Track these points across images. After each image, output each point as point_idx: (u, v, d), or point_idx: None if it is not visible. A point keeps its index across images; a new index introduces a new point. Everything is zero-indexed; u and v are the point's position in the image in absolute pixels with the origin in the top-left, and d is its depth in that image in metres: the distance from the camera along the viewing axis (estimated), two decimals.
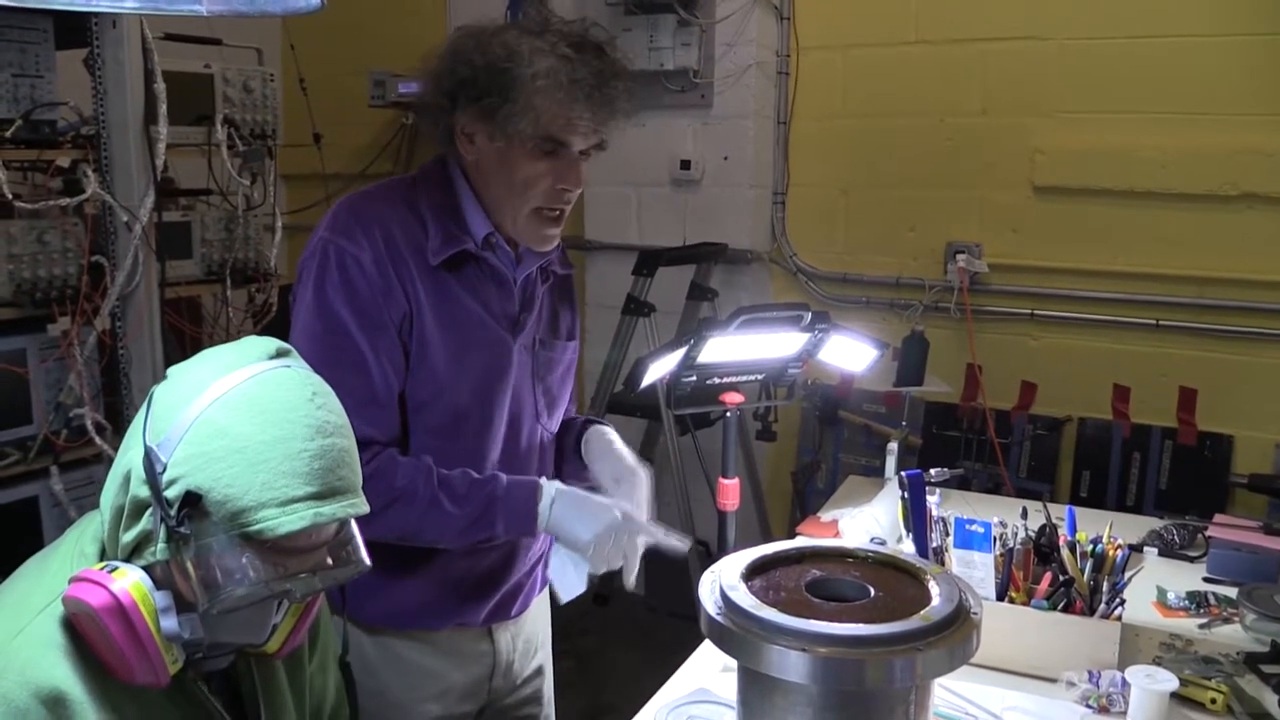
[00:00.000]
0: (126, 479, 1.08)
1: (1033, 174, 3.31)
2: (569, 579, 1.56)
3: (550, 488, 1.51)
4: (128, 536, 1.08)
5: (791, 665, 1.09)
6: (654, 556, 1.56)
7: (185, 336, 2.86)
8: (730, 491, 1.73)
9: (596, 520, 1.48)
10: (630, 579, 1.53)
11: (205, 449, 1.05)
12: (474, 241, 1.52)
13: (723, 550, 1.70)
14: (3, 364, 2.35)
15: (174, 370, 1.13)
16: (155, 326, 2.57)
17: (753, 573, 1.26)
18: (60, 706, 1.04)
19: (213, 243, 2.85)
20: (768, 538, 3.58)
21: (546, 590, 1.80)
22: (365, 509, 1.13)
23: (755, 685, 1.18)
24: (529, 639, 1.76)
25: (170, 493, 1.04)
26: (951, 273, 3.43)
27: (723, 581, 1.21)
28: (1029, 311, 3.37)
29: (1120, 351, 3.27)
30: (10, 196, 2.27)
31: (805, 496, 3.70)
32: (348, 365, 1.43)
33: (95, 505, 2.49)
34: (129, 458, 1.09)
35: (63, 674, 1.05)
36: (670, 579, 3.82)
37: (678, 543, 1.56)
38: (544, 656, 1.82)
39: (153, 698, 1.11)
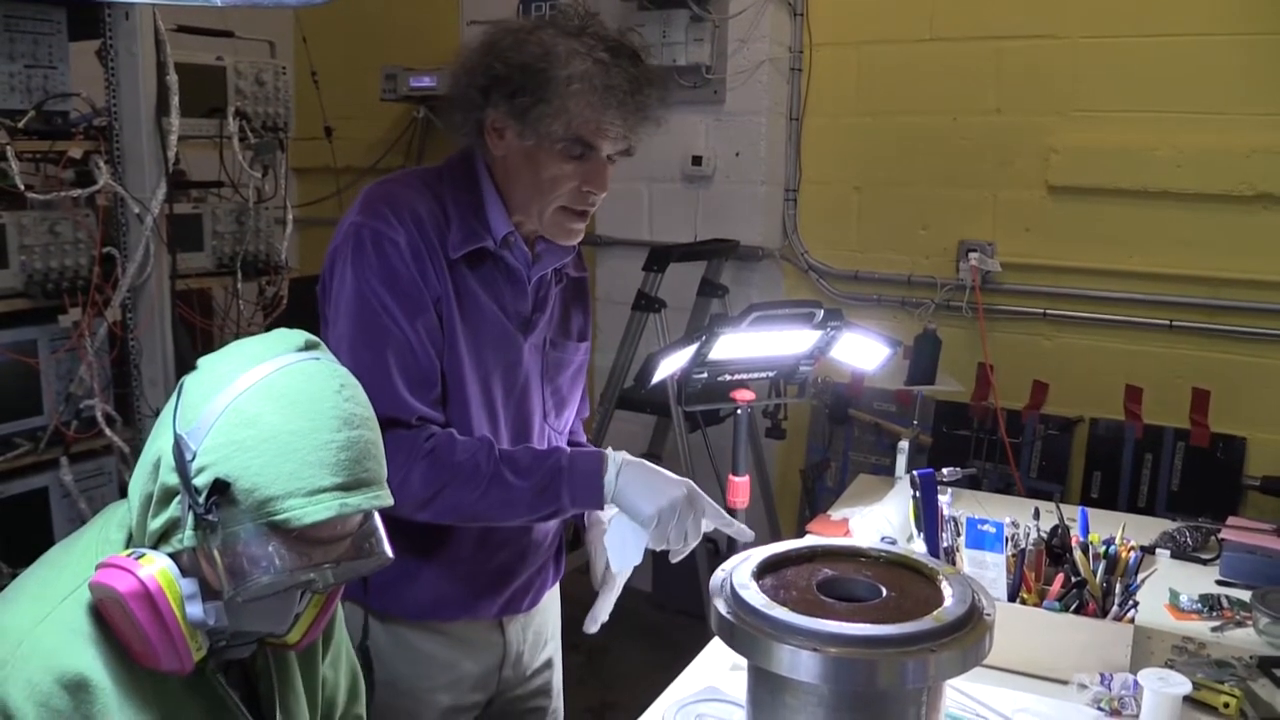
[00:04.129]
0: (156, 466, 1.09)
1: (1047, 173, 3.29)
2: (626, 550, 1.53)
3: (617, 457, 1.49)
4: (155, 523, 1.09)
5: (803, 665, 1.08)
6: (661, 555, 1.55)
7: (196, 329, 2.86)
8: (740, 489, 1.72)
9: (662, 495, 1.46)
10: (678, 558, 1.52)
11: (234, 438, 1.06)
12: (493, 240, 1.52)
13: (732, 548, 1.69)
14: (14, 355, 2.35)
15: (204, 361, 1.15)
16: (166, 318, 2.57)
17: (764, 571, 1.25)
18: (83, 692, 1.05)
19: (224, 235, 2.85)
20: (777, 536, 3.57)
21: (557, 584, 1.81)
22: (390, 501, 1.14)
23: (765, 684, 1.17)
24: (539, 631, 1.76)
25: (199, 480, 1.05)
26: (964, 271, 3.41)
27: (734, 580, 1.20)
28: (1042, 311, 3.36)
29: (1133, 352, 3.25)
30: (22, 187, 2.27)
31: (815, 495, 3.69)
32: (394, 346, 1.44)
33: (105, 496, 2.50)
34: (158, 445, 1.10)
35: (86, 660, 1.06)
36: (679, 576, 3.82)
37: (742, 530, 1.56)
38: (553, 649, 1.83)
39: (173, 686, 1.12)
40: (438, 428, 1.47)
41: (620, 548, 1.54)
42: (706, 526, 1.52)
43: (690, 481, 1.51)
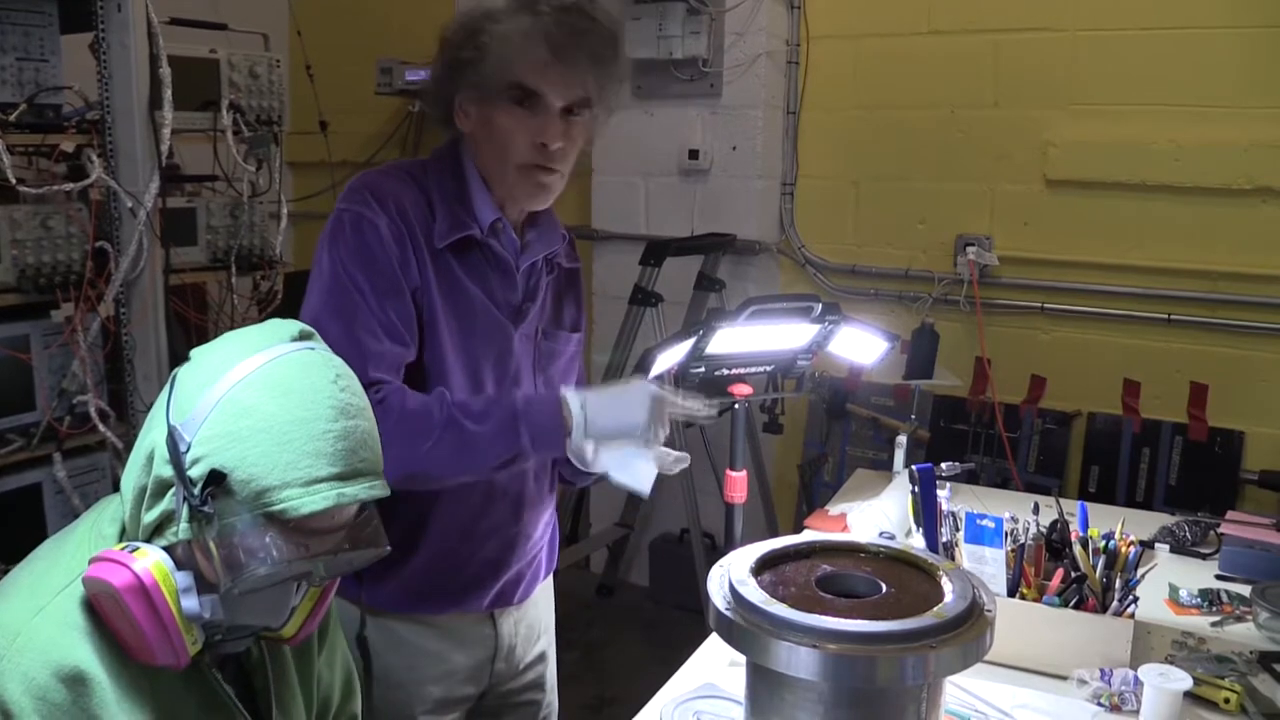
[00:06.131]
0: (149, 459, 1.08)
1: (1045, 166, 3.29)
2: (640, 473, 1.49)
3: (574, 398, 1.45)
4: (150, 516, 1.08)
5: (802, 662, 1.08)
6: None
7: (190, 324, 2.85)
8: (738, 484, 1.72)
9: (639, 402, 1.45)
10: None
11: (229, 429, 1.05)
12: (479, 228, 1.52)
13: (730, 543, 1.68)
14: (6, 350, 2.34)
15: (197, 352, 1.14)
16: (160, 313, 2.56)
17: (762, 567, 1.24)
18: (80, 685, 1.04)
19: (218, 229, 2.83)
20: (774, 531, 3.56)
21: (550, 578, 1.80)
22: (387, 491, 1.13)
23: (764, 681, 1.16)
24: (531, 624, 1.75)
25: (194, 472, 1.05)
26: (961, 265, 3.40)
27: (732, 576, 1.20)
28: (1039, 305, 3.35)
29: (1131, 346, 3.25)
30: (14, 181, 2.25)
31: (812, 490, 3.68)
32: (361, 322, 1.43)
33: (99, 492, 2.48)
34: (152, 438, 1.09)
35: (83, 654, 1.05)
36: (676, 572, 3.82)
37: (701, 408, 1.52)
38: (546, 643, 1.82)
39: (168, 681, 1.11)
40: (388, 384, 1.43)
41: (635, 475, 1.50)
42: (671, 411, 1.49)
43: (642, 382, 1.49)
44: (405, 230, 1.47)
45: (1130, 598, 1.60)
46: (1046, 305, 3.34)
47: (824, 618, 1.10)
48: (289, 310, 1.36)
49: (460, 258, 1.52)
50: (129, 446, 2.44)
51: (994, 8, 3.32)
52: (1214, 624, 1.77)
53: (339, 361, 1.15)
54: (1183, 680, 1.39)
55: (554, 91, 1.46)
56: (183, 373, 1.11)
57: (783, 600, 1.14)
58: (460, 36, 1.48)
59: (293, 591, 1.17)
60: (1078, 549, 1.63)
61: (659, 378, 1.58)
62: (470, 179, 1.54)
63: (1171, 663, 1.54)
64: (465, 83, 1.49)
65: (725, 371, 1.79)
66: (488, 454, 1.44)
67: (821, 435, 3.71)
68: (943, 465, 2.05)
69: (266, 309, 2.96)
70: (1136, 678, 1.47)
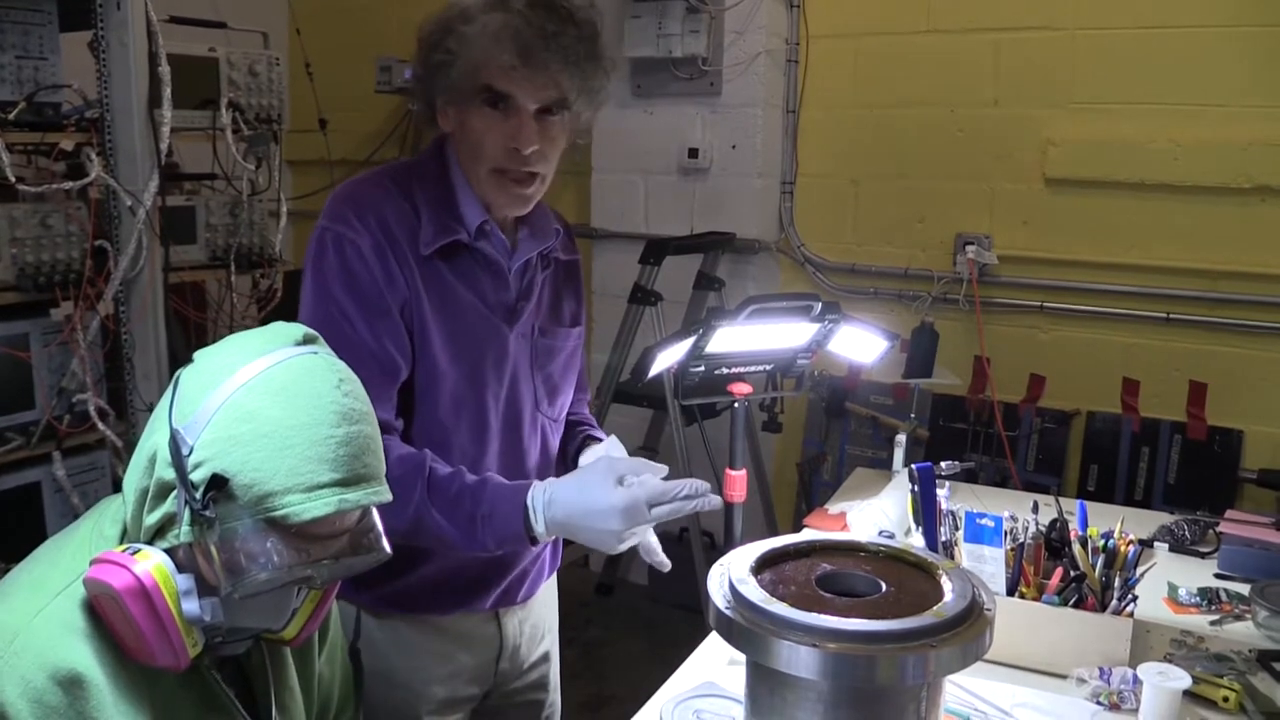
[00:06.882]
0: (152, 461, 1.08)
1: (1044, 165, 3.29)
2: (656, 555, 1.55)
3: (540, 505, 1.40)
4: (151, 519, 1.08)
5: (802, 661, 1.08)
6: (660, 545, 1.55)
7: (189, 322, 2.85)
8: (737, 483, 1.71)
9: (609, 514, 1.37)
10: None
11: (232, 433, 1.05)
12: (467, 231, 1.50)
13: (729, 542, 1.68)
14: (5, 348, 2.34)
15: (201, 354, 1.13)
16: (159, 312, 2.56)
17: (762, 566, 1.24)
18: (78, 688, 1.04)
19: (217, 228, 2.84)
20: (773, 530, 3.56)
21: (554, 576, 1.80)
22: (389, 497, 1.13)
23: (764, 680, 1.16)
24: (536, 624, 1.75)
25: (196, 475, 1.04)
26: (961, 264, 3.40)
27: (732, 575, 1.20)
28: (1038, 304, 3.35)
29: (1130, 345, 3.25)
30: (13, 179, 2.25)
31: (811, 488, 3.68)
32: (348, 349, 1.39)
33: (98, 491, 2.48)
34: (154, 440, 1.09)
35: (81, 656, 1.05)
36: (673, 570, 3.81)
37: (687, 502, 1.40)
38: (550, 643, 1.82)
39: (167, 682, 1.11)
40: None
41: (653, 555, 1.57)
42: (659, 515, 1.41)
43: (611, 491, 1.38)
44: (389, 244, 1.45)
45: (1129, 596, 1.60)
46: (1046, 304, 3.34)
47: (824, 617, 1.10)
48: (288, 308, 1.35)
49: (449, 262, 1.50)
50: (128, 445, 2.45)
51: (994, 7, 3.31)
52: (1213, 623, 1.77)
53: (342, 365, 1.14)
54: (1182, 679, 1.39)
55: (524, 94, 1.43)
56: (185, 375, 1.11)
57: (782, 599, 1.14)
58: (434, 37, 1.46)
59: (294, 594, 1.16)
60: (1077, 548, 1.63)
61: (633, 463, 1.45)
62: (456, 180, 1.52)
63: (1170, 661, 1.54)
64: (440, 85, 1.47)
65: (725, 370, 1.79)
66: (449, 545, 1.44)
67: (821, 434, 3.71)
68: (942, 464, 2.05)
69: (266, 307, 2.96)
70: (1136, 676, 1.47)
